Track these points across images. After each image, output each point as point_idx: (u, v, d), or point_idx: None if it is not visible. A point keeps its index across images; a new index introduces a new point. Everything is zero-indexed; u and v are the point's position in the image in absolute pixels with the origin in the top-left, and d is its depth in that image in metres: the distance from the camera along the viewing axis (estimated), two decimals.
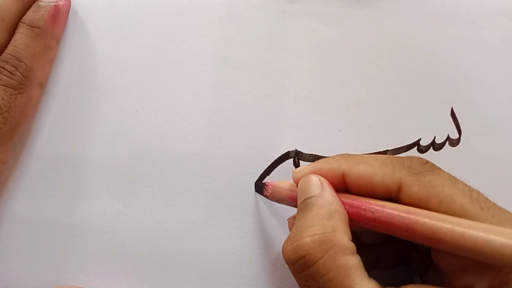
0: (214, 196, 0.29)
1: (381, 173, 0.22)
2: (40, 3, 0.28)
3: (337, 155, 0.24)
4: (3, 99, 0.26)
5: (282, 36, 0.30)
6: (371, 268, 0.26)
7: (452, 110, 0.30)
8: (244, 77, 0.30)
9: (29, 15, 0.28)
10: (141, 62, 0.30)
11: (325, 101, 0.30)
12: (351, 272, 0.20)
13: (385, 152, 0.29)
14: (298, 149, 0.29)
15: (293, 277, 0.22)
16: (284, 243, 0.22)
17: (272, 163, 0.29)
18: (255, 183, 0.29)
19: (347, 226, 0.22)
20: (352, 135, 0.30)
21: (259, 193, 0.28)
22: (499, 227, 0.19)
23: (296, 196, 0.24)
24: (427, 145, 0.30)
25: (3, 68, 0.26)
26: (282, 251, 0.22)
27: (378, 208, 0.21)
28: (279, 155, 0.29)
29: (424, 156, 0.30)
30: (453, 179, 0.21)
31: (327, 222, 0.21)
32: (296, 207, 0.24)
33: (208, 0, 0.30)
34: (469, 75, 0.30)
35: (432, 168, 0.22)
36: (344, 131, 0.30)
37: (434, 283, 0.22)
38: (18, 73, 0.27)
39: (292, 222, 0.25)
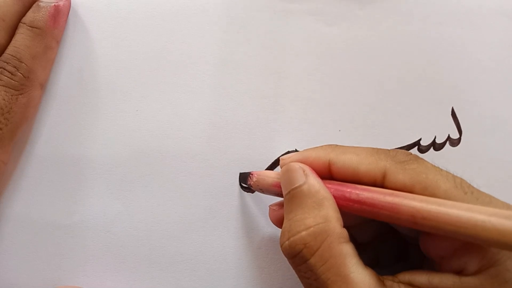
0: (214, 196, 0.29)
1: (367, 162, 0.22)
2: (40, 3, 0.28)
3: (325, 145, 0.25)
4: (4, 99, 0.26)
5: (282, 36, 0.30)
6: (373, 267, 0.26)
7: (452, 110, 0.30)
8: (244, 77, 0.30)
9: (29, 15, 0.28)
10: (141, 62, 0.30)
11: (325, 101, 0.30)
12: (346, 260, 0.20)
13: None
14: (298, 149, 0.29)
15: (293, 276, 0.22)
16: (280, 238, 0.22)
17: (272, 163, 0.29)
18: (240, 173, 0.29)
19: (337, 211, 0.22)
20: (352, 135, 0.30)
21: (242, 183, 0.28)
22: (482, 206, 0.19)
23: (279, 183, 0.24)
24: (427, 145, 0.30)
25: (4, 69, 0.26)
26: (280, 246, 0.22)
27: (363, 190, 0.21)
28: (279, 155, 0.29)
29: (424, 156, 0.30)
30: (436, 167, 0.22)
31: (318, 212, 0.21)
32: (280, 196, 0.25)
33: (208, 0, 0.30)
34: (469, 75, 0.30)
35: (416, 158, 0.22)
36: (344, 131, 0.30)
37: None
38: (18, 73, 0.27)
39: (274, 209, 0.26)
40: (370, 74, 0.30)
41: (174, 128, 0.29)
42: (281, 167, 0.25)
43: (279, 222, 0.25)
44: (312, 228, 0.21)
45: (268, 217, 0.26)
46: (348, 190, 0.22)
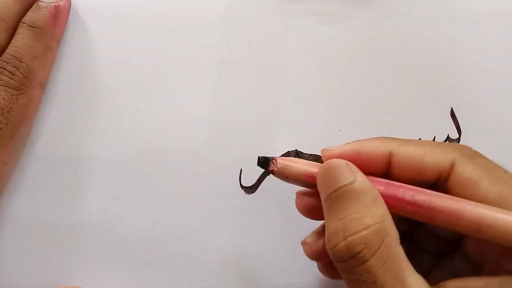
0: (214, 196, 0.29)
1: (433, 152, 0.21)
2: (40, 3, 0.28)
3: (381, 137, 0.23)
4: (4, 99, 0.26)
5: (282, 36, 0.30)
6: None
7: (452, 110, 0.30)
8: (244, 77, 0.30)
9: (30, 15, 0.28)
10: (141, 62, 0.30)
11: (325, 101, 0.30)
12: (403, 263, 0.19)
13: None
14: (298, 149, 0.29)
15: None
16: (331, 238, 0.20)
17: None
18: (259, 157, 0.24)
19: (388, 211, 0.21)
20: (352, 135, 0.29)
21: (261, 166, 0.24)
22: None
23: (313, 174, 0.22)
24: None
25: (4, 69, 0.26)
26: (332, 248, 0.20)
27: (417, 192, 0.20)
28: (279, 155, 0.29)
29: None
30: (501, 167, 0.21)
31: (375, 210, 0.20)
32: (308, 187, 0.23)
33: (208, 0, 0.30)
34: (469, 75, 0.30)
35: (481, 154, 0.22)
36: (344, 131, 0.30)
37: (464, 274, 0.21)
38: (19, 73, 0.27)
39: (303, 196, 0.23)
40: (370, 74, 0.30)
41: (174, 128, 0.29)
42: (324, 158, 0.23)
43: (308, 211, 0.23)
44: (373, 227, 0.19)
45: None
46: (401, 190, 0.20)
